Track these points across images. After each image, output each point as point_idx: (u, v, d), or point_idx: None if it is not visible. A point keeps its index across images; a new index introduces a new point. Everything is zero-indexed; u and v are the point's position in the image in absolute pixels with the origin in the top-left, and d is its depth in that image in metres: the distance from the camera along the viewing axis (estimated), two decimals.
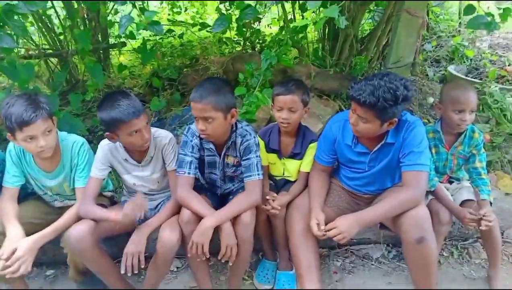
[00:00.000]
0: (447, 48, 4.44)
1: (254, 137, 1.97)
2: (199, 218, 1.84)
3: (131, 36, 3.15)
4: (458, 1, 4.83)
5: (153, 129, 2.03)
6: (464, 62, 4.27)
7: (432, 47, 4.33)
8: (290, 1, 3.57)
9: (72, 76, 3.49)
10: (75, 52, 3.31)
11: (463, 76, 3.93)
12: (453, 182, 2.31)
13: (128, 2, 2.35)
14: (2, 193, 1.96)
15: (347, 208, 2.09)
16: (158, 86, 3.43)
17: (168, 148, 2.01)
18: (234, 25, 3.47)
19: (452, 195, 2.20)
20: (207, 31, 4.09)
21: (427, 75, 3.83)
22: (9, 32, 1.98)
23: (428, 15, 4.20)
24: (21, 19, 2.02)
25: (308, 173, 2.15)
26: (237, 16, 2.50)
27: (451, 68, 4.02)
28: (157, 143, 2.01)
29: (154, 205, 2.17)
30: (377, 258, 2.38)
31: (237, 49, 3.94)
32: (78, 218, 1.90)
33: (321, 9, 1.83)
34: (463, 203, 2.14)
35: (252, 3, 2.69)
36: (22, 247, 1.74)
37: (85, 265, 1.98)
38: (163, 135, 2.03)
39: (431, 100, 3.33)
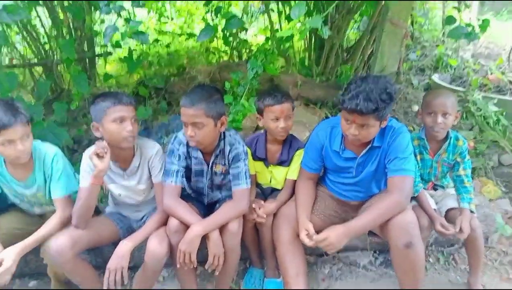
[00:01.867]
0: (431, 57, 4.54)
1: (243, 146, 1.97)
2: (187, 227, 1.82)
3: (117, 45, 3.15)
4: (441, 12, 4.94)
5: (140, 139, 2.00)
6: (448, 71, 4.37)
7: (417, 56, 4.42)
8: (276, 12, 3.62)
9: (57, 85, 3.46)
10: (60, 61, 3.29)
11: (447, 85, 4.01)
12: (437, 189, 2.34)
13: (112, 11, 2.35)
14: None
15: (334, 216, 2.10)
16: (145, 95, 3.42)
17: (155, 159, 1.98)
18: (221, 34, 3.50)
19: (437, 203, 2.22)
20: (194, 40, 4.12)
21: (412, 83, 3.90)
22: None
23: (412, 25, 4.30)
24: (4, 28, 2.00)
25: (294, 180, 2.15)
26: (223, 25, 2.52)
27: (435, 77, 4.10)
28: (143, 153, 1.98)
29: (139, 216, 2.14)
30: (364, 265, 2.38)
31: (224, 58, 3.96)
32: (59, 227, 1.86)
33: (306, 19, 1.86)
34: (448, 212, 2.16)
35: (238, 14, 2.72)
36: (9, 258, 1.71)
37: (66, 276, 1.94)
38: (150, 146, 2.00)
39: (416, 108, 3.38)
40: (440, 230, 2.00)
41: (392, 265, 1.94)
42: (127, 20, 2.31)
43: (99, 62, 3.99)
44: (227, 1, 4.01)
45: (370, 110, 1.67)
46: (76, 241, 1.79)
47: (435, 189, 2.34)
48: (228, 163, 1.98)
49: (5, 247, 1.80)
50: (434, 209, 2.11)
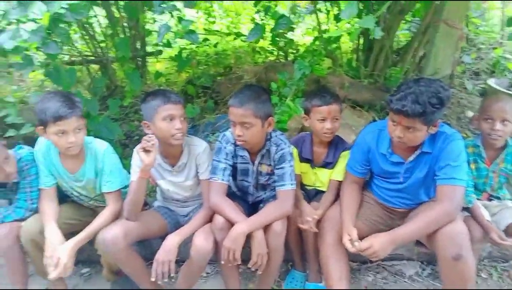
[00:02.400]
0: (487, 60, 4.29)
1: (289, 146, 1.96)
2: (232, 225, 1.84)
3: (168, 44, 3.24)
4: (500, 12, 4.67)
5: (188, 137, 2.06)
6: (506, 75, 4.11)
7: (472, 59, 4.20)
8: (325, 12, 3.58)
9: (111, 82, 3.62)
10: (115, 59, 3.44)
11: (505, 90, 3.78)
12: (492, 200, 2.21)
13: (166, 11, 2.42)
14: (41, 195, 2.04)
15: (380, 222, 2.04)
16: (193, 94, 3.50)
17: (202, 157, 2.02)
18: (269, 34, 3.50)
19: (493, 215, 2.08)
20: (241, 40, 4.15)
21: (465, 88, 3.71)
22: (54, 39, 2.08)
23: (467, 26, 4.09)
24: (66, 27, 2.11)
25: (339, 181, 2.12)
26: (272, 26, 2.53)
27: (492, 81, 3.87)
28: (190, 151, 2.03)
29: (186, 211, 2.20)
30: (411, 275, 2.30)
31: (270, 58, 3.97)
32: (111, 221, 1.95)
33: (356, 19, 1.82)
34: (508, 227, 2.02)
35: (287, 13, 2.72)
36: (65, 254, 1.81)
37: (118, 266, 2.02)
38: (197, 143, 2.05)
39: (470, 114, 3.22)
40: (496, 240, 1.88)
41: (440, 277, 1.86)
42: (180, 20, 2.37)
43: (150, 60, 4.13)
44: (274, 1, 4.02)
45: (416, 113, 1.62)
46: (128, 232, 1.87)
47: (490, 200, 2.21)
48: (274, 164, 1.98)
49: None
50: (488, 221, 2.00)
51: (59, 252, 1.82)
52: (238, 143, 1.92)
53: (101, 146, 2.03)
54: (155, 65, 4.23)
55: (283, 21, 2.40)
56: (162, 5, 2.35)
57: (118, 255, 1.88)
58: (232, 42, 4.22)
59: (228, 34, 4.18)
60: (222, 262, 1.81)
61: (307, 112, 2.10)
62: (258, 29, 2.39)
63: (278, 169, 1.94)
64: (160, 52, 3.63)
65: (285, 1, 3.70)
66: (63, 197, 2.18)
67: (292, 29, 3.82)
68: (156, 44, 3.55)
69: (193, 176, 2.07)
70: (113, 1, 3.20)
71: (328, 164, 2.15)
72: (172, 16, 2.43)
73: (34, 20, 1.94)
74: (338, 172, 2.14)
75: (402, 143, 1.78)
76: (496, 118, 1.94)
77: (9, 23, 2.12)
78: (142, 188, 1.91)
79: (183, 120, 1.90)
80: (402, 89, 1.69)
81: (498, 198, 2.19)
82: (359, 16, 2.47)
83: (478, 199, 2.09)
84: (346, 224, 1.88)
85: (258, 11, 3.25)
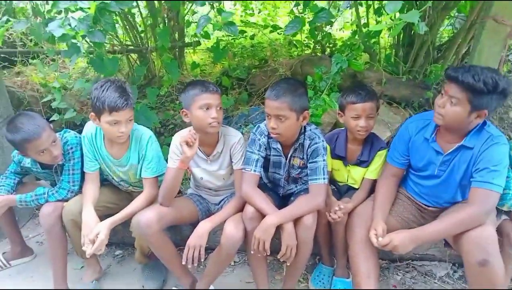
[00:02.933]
0: None
1: (323, 141, 1.96)
2: (262, 215, 1.87)
3: (206, 36, 3.28)
4: None
5: (224, 127, 2.10)
6: None
7: None
8: (365, 5, 3.51)
9: (149, 71, 3.71)
10: (154, 49, 3.52)
11: None
12: None
13: (206, 3, 2.46)
14: (86, 177, 2.15)
15: (412, 221, 2.01)
16: (227, 85, 3.54)
17: (237, 147, 2.06)
18: (305, 28, 3.47)
19: None
20: (277, 33, 4.14)
21: None
22: (99, 28, 2.16)
23: None
24: (111, 16, 2.19)
25: (373, 180, 2.11)
26: (310, 19, 2.51)
27: None
28: (226, 141, 2.07)
29: (217, 200, 2.25)
30: (441, 276, 2.25)
31: (306, 52, 3.94)
32: (146, 205, 2.04)
33: (398, 13, 1.77)
34: None
35: (326, 6, 2.68)
36: (103, 231, 1.92)
37: (149, 249, 2.10)
38: (233, 134, 2.09)
39: None
40: None
41: (467, 282, 1.82)
42: (219, 11, 2.39)
43: (186, 51, 4.20)
44: None
45: (467, 82, 1.60)
46: (162, 217, 1.94)
47: None
48: (307, 157, 1.99)
49: (100, 218, 2.01)
50: None
51: (97, 228, 1.91)
52: (272, 135, 1.94)
53: (146, 134, 2.11)
54: (191, 56, 4.29)
55: (322, 14, 2.37)
56: None
57: (151, 238, 1.95)
58: (268, 35, 4.21)
59: (265, 27, 4.17)
60: (252, 252, 1.84)
61: (342, 108, 2.08)
62: (297, 22, 2.36)
63: (311, 163, 1.95)
64: (198, 43, 3.68)
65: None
66: (103, 181, 2.28)
67: (331, 23, 3.77)
68: (194, 35, 3.59)
69: (227, 166, 2.11)
70: None
71: (363, 163, 2.13)
72: (212, 8, 2.47)
73: (82, 9, 2.02)
74: (372, 171, 2.12)
75: (440, 116, 1.74)
76: None
77: (59, 12, 2.22)
78: (179, 177, 1.97)
79: (219, 110, 1.94)
80: (467, 64, 1.66)
81: None
82: (401, 11, 2.40)
83: None
84: (376, 219, 1.88)
85: (297, 4, 3.21)
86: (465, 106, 1.66)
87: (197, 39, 3.74)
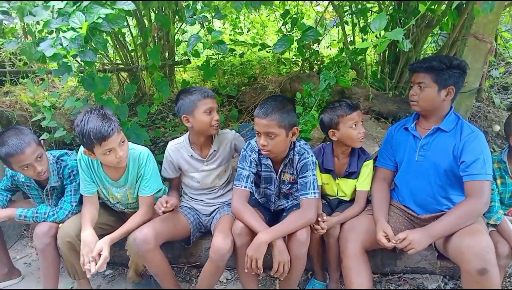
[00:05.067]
0: None
1: (312, 156, 1.99)
2: (250, 230, 1.88)
3: (196, 54, 3.33)
4: None
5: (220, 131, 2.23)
6: None
7: (500, 73, 4.13)
8: (350, 24, 3.61)
9: (139, 89, 3.73)
10: (144, 68, 3.55)
11: None
12: None
13: (196, 22, 2.50)
14: (84, 200, 2.13)
15: (403, 230, 2.03)
16: (218, 102, 3.57)
17: (238, 141, 2.24)
18: (293, 46, 3.55)
19: None
20: (266, 51, 4.22)
21: (493, 102, 3.66)
22: (90, 47, 2.19)
23: (496, 40, 4.03)
24: (102, 36, 2.21)
25: (366, 191, 2.15)
26: (298, 37, 2.57)
27: None
28: (220, 139, 2.20)
29: (209, 211, 2.27)
30: (433, 289, 2.27)
31: (294, 69, 4.01)
32: (142, 224, 2.02)
33: (383, 31, 1.84)
34: None
35: (313, 25, 2.76)
36: (106, 248, 1.89)
37: (144, 268, 2.08)
38: (225, 132, 2.25)
39: (497, 128, 3.17)
40: None
41: None
42: (209, 30, 2.44)
43: (177, 69, 4.24)
44: (300, 14, 4.08)
45: (426, 66, 1.88)
46: (158, 233, 1.95)
47: None
48: (296, 173, 2.01)
49: None
50: None
51: (99, 245, 1.89)
52: (262, 152, 1.96)
53: (143, 152, 2.11)
54: (181, 74, 4.34)
55: (310, 33, 2.43)
56: (193, 17, 2.44)
57: (148, 255, 1.95)
58: (257, 53, 4.28)
59: (254, 45, 4.25)
60: (246, 271, 1.84)
61: (335, 125, 2.07)
62: (286, 40, 2.42)
63: (301, 178, 1.97)
64: (188, 61, 3.72)
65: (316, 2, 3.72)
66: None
67: (318, 41, 3.85)
68: (185, 54, 3.64)
69: (224, 163, 2.22)
70: (143, 12, 3.31)
71: (352, 174, 2.16)
72: (202, 27, 2.51)
73: (73, 29, 2.04)
74: (363, 182, 2.16)
75: (416, 104, 1.96)
76: None
77: (50, 32, 2.24)
78: None
79: (217, 112, 2.09)
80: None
81: None
82: (386, 28, 2.48)
83: (504, 214, 2.06)
84: (380, 221, 1.96)
85: (285, 23, 3.29)
86: (433, 86, 1.89)
87: (187, 57, 3.79)
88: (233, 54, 4.27)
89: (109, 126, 1.83)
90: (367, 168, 2.15)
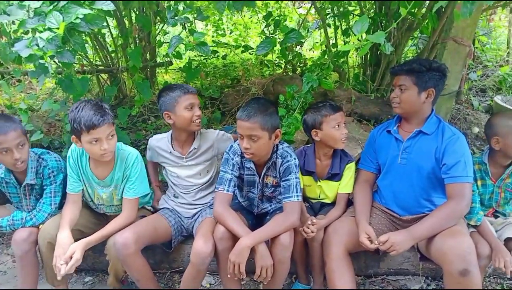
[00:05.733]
0: (493, 78, 4.32)
1: (295, 159, 1.97)
2: (232, 235, 1.87)
3: (178, 56, 3.29)
4: (507, 31, 4.70)
5: (202, 130, 2.24)
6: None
7: (478, 76, 4.22)
8: (333, 27, 3.63)
9: (119, 91, 3.66)
10: (125, 69, 3.49)
11: (509, 107, 3.79)
12: (498, 216, 2.20)
13: (178, 23, 2.47)
14: (67, 198, 2.08)
15: (385, 232, 2.05)
16: (200, 104, 3.53)
17: (221, 142, 2.24)
18: (276, 48, 3.55)
19: (496, 231, 2.10)
20: (249, 53, 4.20)
21: (472, 104, 3.73)
22: (68, 48, 2.13)
23: (473, 44, 4.12)
24: (80, 37, 2.16)
25: (347, 194, 2.16)
26: (281, 39, 2.57)
27: (498, 98, 3.89)
28: (202, 138, 2.20)
29: (191, 213, 2.23)
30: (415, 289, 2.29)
31: (277, 71, 4.01)
32: (123, 227, 1.98)
33: (365, 34, 1.85)
34: (507, 241, 2.03)
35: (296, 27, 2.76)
36: (78, 251, 1.85)
37: (124, 274, 2.04)
38: (210, 131, 2.27)
39: (476, 130, 3.23)
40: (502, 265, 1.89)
41: None
42: (191, 32, 2.41)
43: (158, 71, 4.19)
44: (282, 17, 4.09)
45: (406, 69, 1.92)
46: (139, 237, 1.91)
47: (496, 217, 2.21)
48: (279, 176, 2.00)
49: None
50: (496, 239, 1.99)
51: (73, 247, 1.85)
52: (245, 156, 1.94)
53: (132, 153, 2.08)
54: (163, 75, 4.28)
55: (293, 35, 2.43)
56: (174, 18, 2.40)
57: (128, 259, 1.90)
58: (240, 55, 4.27)
59: (237, 47, 4.24)
60: (228, 276, 1.81)
61: (317, 125, 2.08)
62: (268, 42, 2.41)
63: (284, 181, 1.96)
64: (170, 63, 3.67)
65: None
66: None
67: (301, 43, 3.86)
68: (166, 55, 3.60)
69: (204, 161, 2.21)
70: (124, 13, 3.26)
71: (334, 176, 2.16)
72: (184, 28, 2.48)
73: (50, 30, 1.98)
74: (345, 185, 2.16)
75: (398, 106, 1.99)
76: None
77: (26, 32, 2.17)
78: None
79: (199, 108, 2.08)
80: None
81: (504, 214, 2.19)
82: (367, 32, 2.50)
83: (484, 215, 2.09)
84: (362, 224, 1.96)
85: (267, 25, 3.29)
86: (413, 88, 1.91)
87: (169, 59, 3.74)
88: (215, 56, 4.25)
89: (101, 116, 1.85)
90: (349, 170, 2.16)
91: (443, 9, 2.84)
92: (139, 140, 3.27)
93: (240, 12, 4.44)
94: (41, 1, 1.96)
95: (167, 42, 2.85)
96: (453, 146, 1.87)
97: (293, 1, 4.41)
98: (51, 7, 1.96)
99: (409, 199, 2.03)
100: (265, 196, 2.13)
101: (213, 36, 5.10)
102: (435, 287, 2.30)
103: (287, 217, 1.89)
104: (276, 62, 4.09)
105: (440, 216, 1.82)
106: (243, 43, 4.72)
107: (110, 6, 2.00)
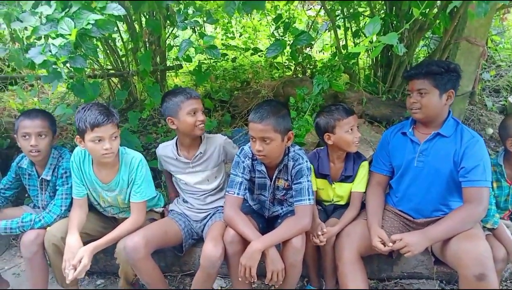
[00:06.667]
0: (507, 78, 4.25)
1: (307, 161, 1.96)
2: (242, 238, 1.86)
3: (188, 59, 3.29)
4: None
5: (207, 133, 2.23)
6: None
7: (491, 76, 4.15)
8: (342, 28, 3.61)
9: (130, 95, 3.68)
10: (135, 73, 3.51)
11: None
12: None
13: (188, 27, 2.47)
14: (74, 203, 2.10)
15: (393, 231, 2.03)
16: (210, 107, 3.54)
17: (228, 147, 2.23)
18: (286, 50, 3.54)
19: None
20: (258, 55, 4.20)
21: (485, 105, 3.67)
22: (80, 53, 2.14)
23: (486, 43, 4.06)
24: (92, 42, 2.17)
25: (361, 193, 2.14)
26: (291, 42, 2.56)
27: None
28: (208, 142, 2.19)
29: (200, 217, 2.23)
30: None
31: (287, 73, 4.00)
32: (132, 231, 1.98)
33: (375, 36, 1.83)
34: None
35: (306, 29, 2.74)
36: (86, 255, 1.86)
37: (134, 277, 2.05)
38: (216, 136, 2.25)
39: (490, 131, 3.17)
40: None
41: None
42: (201, 35, 2.42)
43: (168, 74, 4.20)
44: (292, 19, 4.07)
45: (424, 72, 1.85)
46: (149, 241, 1.91)
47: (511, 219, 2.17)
48: (291, 178, 1.99)
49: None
50: None
51: (81, 252, 1.86)
52: (258, 157, 1.93)
53: (136, 157, 2.09)
54: (172, 79, 4.30)
55: (303, 37, 2.43)
56: (184, 22, 2.41)
57: (138, 263, 1.91)
58: (250, 57, 4.27)
59: (246, 50, 4.23)
60: (240, 279, 1.81)
61: (330, 128, 2.06)
62: (278, 45, 2.41)
63: (295, 184, 1.94)
64: (180, 66, 3.69)
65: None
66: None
67: (311, 45, 3.85)
68: (177, 58, 3.60)
69: (212, 167, 2.19)
70: (134, 17, 3.28)
71: (348, 178, 2.14)
72: (194, 31, 2.49)
73: (62, 36, 2.00)
74: (358, 183, 2.14)
75: (417, 110, 1.91)
76: None
77: (39, 38, 2.19)
78: None
79: (202, 113, 2.07)
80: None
81: None
82: (378, 33, 2.47)
83: (500, 218, 2.06)
84: (374, 227, 1.93)
85: (277, 28, 3.27)
86: (434, 91, 1.85)
87: (179, 62, 3.75)
88: (225, 58, 4.25)
89: (106, 116, 1.88)
90: (363, 168, 2.14)
91: (455, 9, 2.80)
92: (149, 143, 3.28)
93: (249, 15, 4.44)
94: (53, 8, 1.98)
95: (177, 46, 2.86)
96: (472, 149, 1.83)
97: (303, 2, 4.39)
98: (63, 13, 1.98)
99: (425, 202, 2.00)
100: (276, 199, 2.12)
101: (222, 39, 5.11)
102: None
103: (298, 220, 1.87)
104: (285, 64, 4.07)
105: (456, 219, 1.79)
106: (252, 46, 4.73)
107: (121, 11, 2.02)
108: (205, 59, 4.05)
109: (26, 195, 2.35)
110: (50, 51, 1.98)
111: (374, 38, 1.80)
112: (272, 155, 1.90)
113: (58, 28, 1.96)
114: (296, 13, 4.68)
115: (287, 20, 2.86)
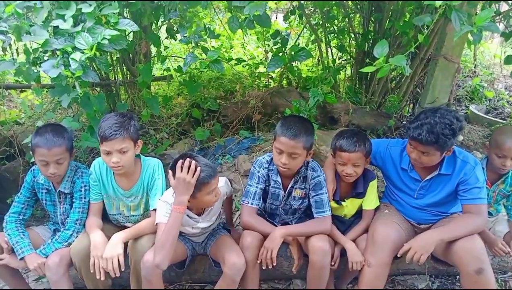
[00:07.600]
0: (466, 88, 4.69)
1: (323, 173, 2.11)
2: (259, 244, 1.99)
3: (179, 70, 3.34)
4: (472, 48, 5.09)
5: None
6: (484, 102, 4.51)
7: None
8: (324, 43, 3.81)
9: (114, 104, 3.62)
10: (122, 83, 3.47)
11: (484, 115, 4.15)
12: (489, 216, 2.44)
13: (192, 41, 2.54)
14: (90, 208, 2.12)
15: (405, 233, 2.15)
16: (198, 117, 3.60)
17: (224, 189, 2.11)
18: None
19: (489, 229, 2.34)
20: (242, 66, 4.31)
21: None
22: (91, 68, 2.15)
23: None
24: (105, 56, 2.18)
25: (372, 210, 2.23)
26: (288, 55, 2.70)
27: (473, 107, 4.25)
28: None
29: (201, 239, 2.23)
30: (422, 288, 2.48)
31: (272, 84, 4.14)
32: (151, 232, 2.00)
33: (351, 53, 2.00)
34: (506, 236, 2.29)
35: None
36: (119, 244, 1.91)
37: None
38: (222, 187, 2.06)
39: (460, 138, 3.50)
40: (501, 249, 2.17)
41: None
42: (204, 50, 2.50)
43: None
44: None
45: (430, 142, 1.84)
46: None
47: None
48: (308, 188, 2.12)
49: None
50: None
51: (113, 241, 1.91)
52: (281, 169, 2.04)
53: (155, 163, 2.14)
54: (154, 87, 4.30)
55: (302, 53, 2.58)
56: (186, 36, 2.49)
57: (153, 279, 1.91)
58: (234, 67, 4.36)
59: (230, 59, 4.33)
60: (258, 262, 1.96)
61: (333, 151, 2.14)
62: (278, 60, 2.53)
63: (316, 196, 2.08)
64: (171, 76, 3.72)
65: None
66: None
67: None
68: (168, 69, 3.63)
69: (217, 215, 2.14)
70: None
71: (359, 194, 2.22)
72: (197, 46, 2.55)
73: (79, 50, 2.00)
74: (370, 202, 2.23)
75: (419, 163, 1.99)
76: (508, 156, 2.16)
77: (45, 51, 2.16)
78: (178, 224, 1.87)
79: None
80: (420, 118, 1.90)
81: (491, 214, 2.43)
82: (360, 47, 2.59)
83: None
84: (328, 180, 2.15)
85: (276, 43, 3.26)
86: (436, 153, 1.92)
87: (165, 73, 3.77)
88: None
89: (116, 130, 1.89)
90: (372, 188, 2.22)
91: (435, 28, 3.08)
92: (144, 153, 3.27)
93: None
94: (71, 21, 1.98)
95: (170, 56, 2.91)
96: (471, 176, 1.98)
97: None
98: (79, 27, 1.99)
99: (425, 216, 2.17)
100: (291, 209, 2.22)
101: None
102: (439, 284, 2.51)
103: (320, 224, 2.04)
104: (268, 74, 4.22)
105: (459, 225, 1.96)
106: (226, 55, 4.83)
107: (134, 27, 2.07)
108: (192, 69, 4.09)
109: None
110: (65, 66, 1.98)
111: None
112: (295, 168, 2.03)
113: (75, 43, 1.97)
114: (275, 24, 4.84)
115: (285, 36, 2.99)
